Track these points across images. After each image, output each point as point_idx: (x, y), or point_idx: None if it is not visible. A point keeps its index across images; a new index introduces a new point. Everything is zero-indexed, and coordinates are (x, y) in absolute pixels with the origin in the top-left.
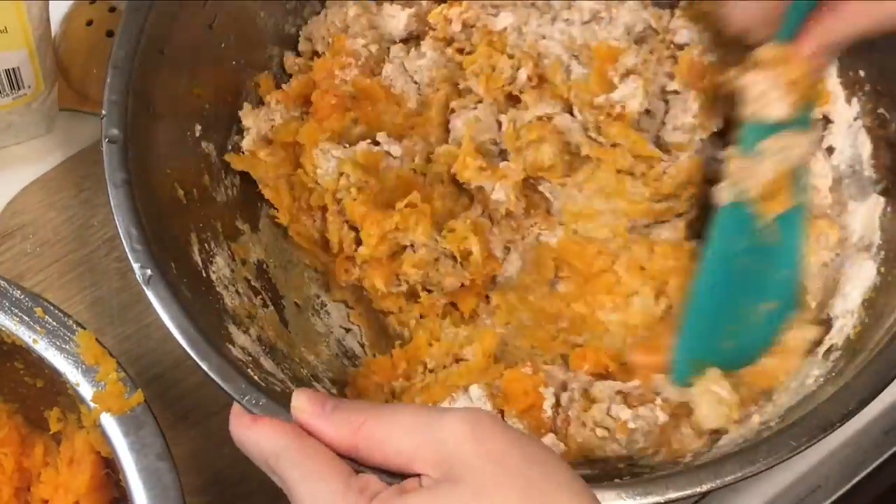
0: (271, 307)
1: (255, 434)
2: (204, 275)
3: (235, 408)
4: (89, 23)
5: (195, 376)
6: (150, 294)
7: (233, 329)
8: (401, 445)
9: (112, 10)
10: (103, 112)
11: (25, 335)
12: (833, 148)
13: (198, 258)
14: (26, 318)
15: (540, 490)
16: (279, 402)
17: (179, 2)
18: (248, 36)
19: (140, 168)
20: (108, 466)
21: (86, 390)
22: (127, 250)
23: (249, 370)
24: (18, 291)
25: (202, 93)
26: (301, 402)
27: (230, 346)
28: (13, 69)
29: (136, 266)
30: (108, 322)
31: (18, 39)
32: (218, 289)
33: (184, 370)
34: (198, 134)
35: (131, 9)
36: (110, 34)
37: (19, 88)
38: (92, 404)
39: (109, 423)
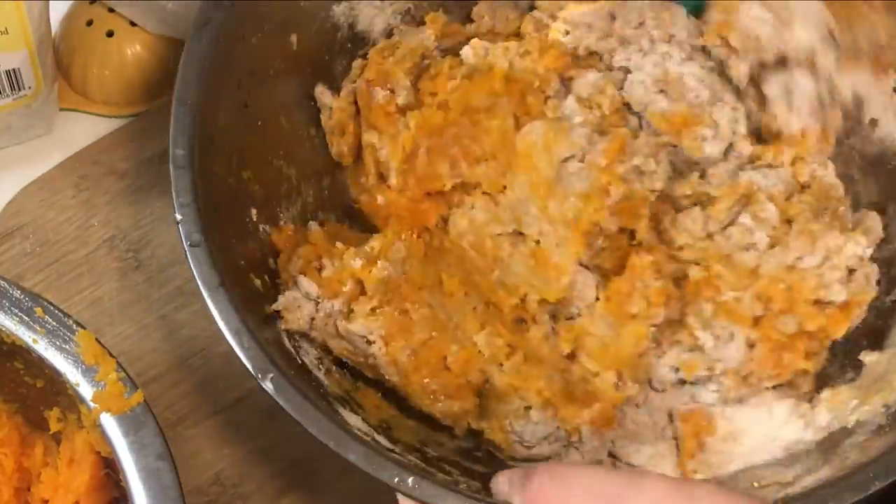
0: (361, 382)
1: None
2: (299, 361)
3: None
4: (89, 23)
5: (195, 376)
6: (280, 399)
7: (343, 411)
8: None
9: (111, 10)
10: (179, 217)
11: (25, 335)
12: (876, 120)
13: (290, 347)
14: (26, 318)
15: None
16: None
17: (218, 88)
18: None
19: (223, 267)
20: (108, 466)
21: (86, 390)
22: (243, 358)
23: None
24: (18, 291)
25: (250, 175)
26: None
27: (352, 430)
28: (14, 70)
29: (254, 369)
30: (108, 322)
31: (19, 40)
32: (314, 373)
33: (184, 370)
34: (255, 218)
35: (179, 102)
36: (110, 34)
37: (20, 89)
38: (92, 404)
39: (109, 423)
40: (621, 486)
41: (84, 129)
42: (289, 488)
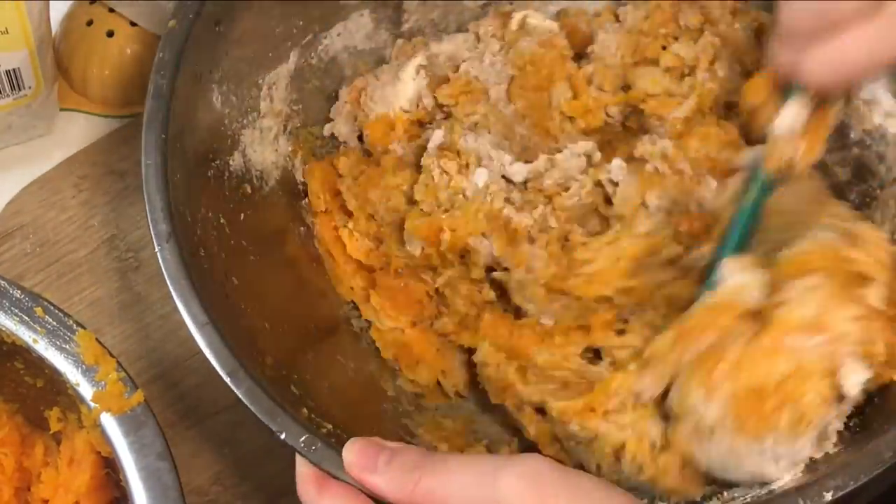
0: None
1: (324, 501)
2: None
3: (301, 469)
4: (89, 23)
5: (195, 376)
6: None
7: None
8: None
9: (112, 10)
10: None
11: (25, 335)
12: None
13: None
14: (26, 318)
15: None
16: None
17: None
18: None
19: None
20: (109, 466)
21: (86, 390)
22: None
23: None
24: (18, 291)
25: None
26: (352, 457)
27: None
28: (14, 70)
29: (231, 382)
30: (108, 322)
31: (19, 40)
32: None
33: (184, 370)
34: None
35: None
36: (110, 34)
37: (20, 89)
38: (92, 404)
39: (109, 422)
40: (502, 462)
41: (84, 129)
42: (289, 488)
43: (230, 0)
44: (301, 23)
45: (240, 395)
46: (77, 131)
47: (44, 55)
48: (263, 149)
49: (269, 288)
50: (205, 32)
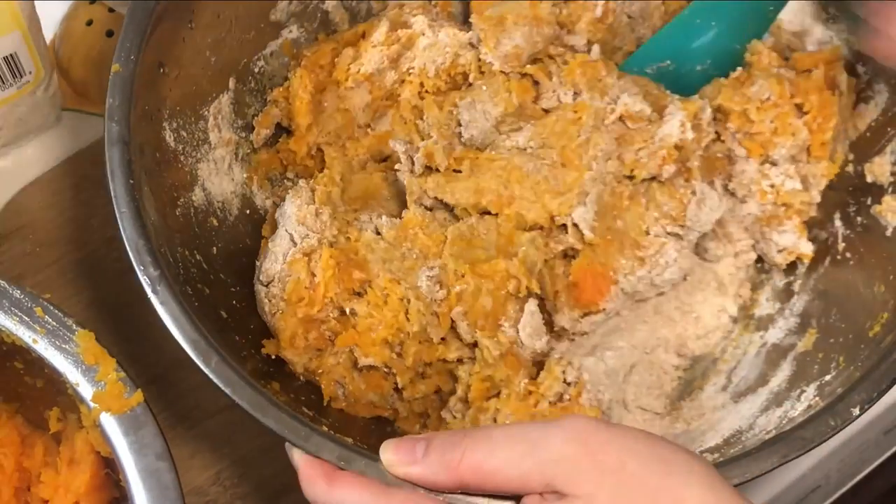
0: None
1: (337, 495)
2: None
3: (304, 465)
4: (89, 23)
5: (195, 376)
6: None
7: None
8: (510, 474)
9: (111, 10)
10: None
11: (25, 335)
12: None
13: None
14: (26, 318)
15: (667, 490)
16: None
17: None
18: None
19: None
20: (108, 466)
21: (86, 390)
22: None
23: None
24: (18, 291)
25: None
26: (391, 455)
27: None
28: (11, 55)
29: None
30: (108, 322)
31: (9, 22)
32: None
33: (184, 370)
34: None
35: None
36: (110, 34)
37: (21, 76)
38: (92, 404)
39: (109, 423)
40: (546, 427)
41: (84, 129)
42: (289, 488)
43: (169, 40)
44: (235, 47)
45: (269, 426)
46: (77, 132)
47: (36, 35)
48: (220, 179)
49: (257, 317)
50: (149, 74)
